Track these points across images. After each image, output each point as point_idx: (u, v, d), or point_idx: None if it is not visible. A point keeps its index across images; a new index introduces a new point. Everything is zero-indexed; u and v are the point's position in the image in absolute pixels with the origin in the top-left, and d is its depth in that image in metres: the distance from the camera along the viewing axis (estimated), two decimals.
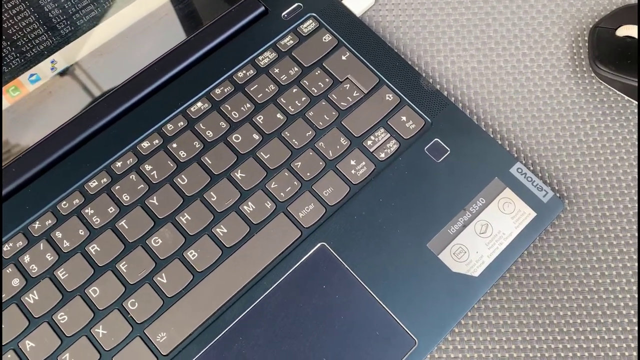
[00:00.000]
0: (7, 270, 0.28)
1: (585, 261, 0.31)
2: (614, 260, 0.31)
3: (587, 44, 0.35)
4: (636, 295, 0.30)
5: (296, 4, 0.35)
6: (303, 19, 0.35)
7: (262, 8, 0.35)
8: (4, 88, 0.30)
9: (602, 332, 0.29)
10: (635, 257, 0.30)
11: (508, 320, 0.30)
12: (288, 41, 0.34)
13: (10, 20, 0.29)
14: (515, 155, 0.33)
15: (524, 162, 0.33)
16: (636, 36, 0.33)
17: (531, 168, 0.33)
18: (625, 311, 0.29)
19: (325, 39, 0.34)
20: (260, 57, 0.34)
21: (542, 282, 0.30)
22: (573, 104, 0.34)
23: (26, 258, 0.28)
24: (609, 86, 0.34)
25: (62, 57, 0.31)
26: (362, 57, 0.34)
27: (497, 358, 0.29)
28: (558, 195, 0.32)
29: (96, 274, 0.28)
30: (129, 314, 0.28)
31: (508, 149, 0.33)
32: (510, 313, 0.30)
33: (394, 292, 0.28)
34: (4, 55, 0.29)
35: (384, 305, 0.28)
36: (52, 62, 0.31)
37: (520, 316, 0.30)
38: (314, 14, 0.35)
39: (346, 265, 0.29)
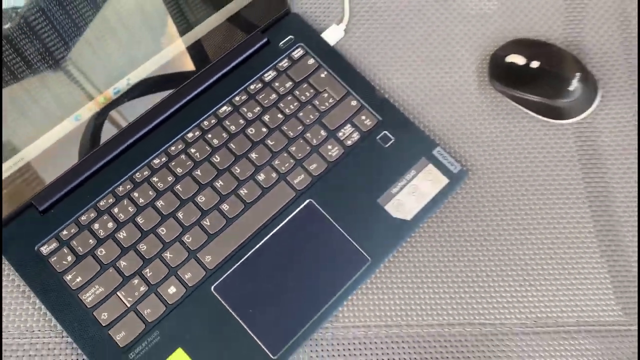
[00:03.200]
0: (104, 218, 0.43)
1: (482, 210, 0.47)
2: (500, 209, 0.47)
3: (487, 66, 0.51)
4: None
5: (289, 37, 0.51)
6: (294, 47, 0.50)
7: (266, 39, 0.50)
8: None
9: (484, 253, 0.46)
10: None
11: (431, 250, 0.46)
12: (284, 64, 0.49)
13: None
14: (437, 142, 0.49)
15: (442, 146, 0.49)
16: (520, 63, 0.49)
17: (447, 150, 0.49)
18: (503, 240, 0.46)
19: (309, 62, 0.50)
20: (265, 75, 0.49)
21: (454, 223, 0.46)
22: (478, 107, 0.50)
23: (115, 209, 0.43)
24: (502, 96, 0.50)
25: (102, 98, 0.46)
26: (335, 75, 0.49)
27: (426, 272, 0.45)
28: (465, 168, 0.48)
29: (162, 220, 0.43)
30: (185, 244, 0.43)
31: (432, 137, 0.49)
32: (432, 246, 0.46)
33: (355, 229, 0.44)
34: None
35: (349, 238, 0.44)
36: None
37: (438, 244, 0.46)
38: (301, 44, 0.50)
39: (324, 212, 0.45)
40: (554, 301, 0.45)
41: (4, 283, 0.42)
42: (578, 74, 0.47)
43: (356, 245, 0.44)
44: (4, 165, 0.41)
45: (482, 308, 0.44)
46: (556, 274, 0.45)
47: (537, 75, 0.48)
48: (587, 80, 0.48)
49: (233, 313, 0.41)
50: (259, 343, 0.41)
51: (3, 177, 0.41)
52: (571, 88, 0.47)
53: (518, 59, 0.49)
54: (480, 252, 0.46)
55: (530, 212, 0.47)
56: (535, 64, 0.48)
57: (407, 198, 0.46)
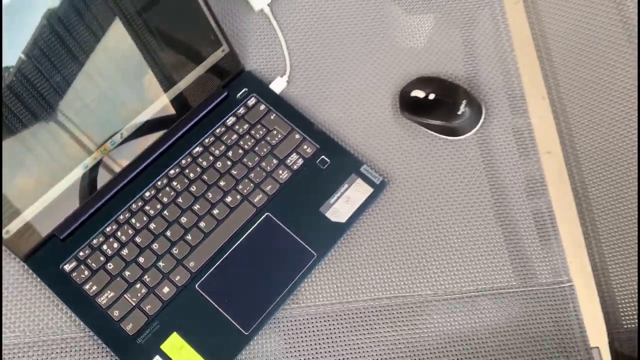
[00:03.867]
0: (110, 240, 0.56)
1: (401, 210, 0.61)
2: (415, 209, 0.61)
3: (398, 100, 0.66)
4: None
5: (244, 89, 0.65)
6: (248, 97, 0.64)
7: (226, 93, 0.64)
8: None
9: (403, 243, 0.60)
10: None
11: (362, 244, 0.60)
12: (241, 111, 0.64)
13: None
14: (363, 161, 0.63)
15: (367, 164, 0.63)
16: (421, 96, 0.64)
17: (371, 167, 0.63)
18: (416, 240, 0.60)
19: (261, 108, 0.64)
20: (227, 121, 0.63)
21: (379, 222, 0.60)
22: (393, 132, 0.65)
23: (118, 233, 0.57)
24: (411, 122, 0.65)
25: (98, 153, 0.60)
26: (281, 116, 0.64)
27: (359, 261, 0.59)
28: (385, 179, 0.62)
29: (155, 238, 0.57)
30: (174, 255, 0.56)
31: (359, 157, 0.63)
32: (364, 241, 0.60)
33: (303, 232, 0.58)
34: None
35: (299, 239, 0.58)
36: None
37: (367, 241, 0.60)
38: (254, 94, 0.65)
39: (279, 222, 0.59)
40: (459, 274, 0.58)
41: (38, 296, 0.55)
42: (464, 101, 0.62)
43: (305, 245, 0.58)
44: (32, 207, 0.54)
45: (403, 284, 0.58)
46: (461, 252, 0.59)
47: (434, 104, 0.63)
48: (472, 105, 0.62)
49: (213, 303, 0.55)
50: (234, 323, 0.54)
51: (30, 218, 0.54)
52: (459, 112, 0.62)
53: (420, 93, 0.64)
54: (400, 242, 0.60)
55: (438, 208, 0.61)
56: (432, 96, 0.63)
57: (342, 206, 0.60)
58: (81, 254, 0.56)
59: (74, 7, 0.50)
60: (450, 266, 0.59)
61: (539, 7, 0.71)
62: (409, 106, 0.64)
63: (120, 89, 0.56)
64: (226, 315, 0.54)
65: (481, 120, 0.63)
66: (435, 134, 0.64)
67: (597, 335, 0.58)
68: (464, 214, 0.61)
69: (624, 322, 0.59)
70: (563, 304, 0.58)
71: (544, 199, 0.62)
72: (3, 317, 0.54)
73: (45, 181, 0.54)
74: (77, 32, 0.51)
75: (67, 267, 0.55)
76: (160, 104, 0.60)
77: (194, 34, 0.60)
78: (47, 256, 0.56)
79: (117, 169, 0.59)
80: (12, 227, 0.53)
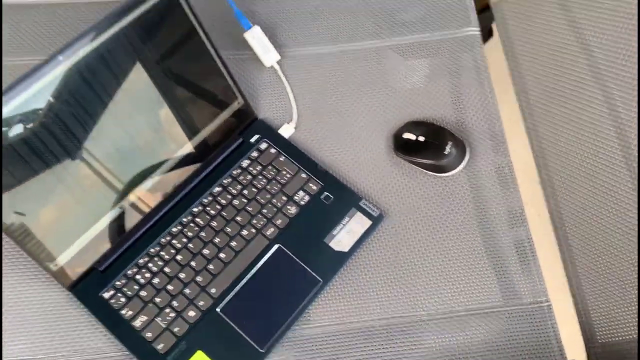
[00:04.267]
0: (143, 270, 0.65)
1: (396, 240, 0.69)
2: (409, 238, 0.69)
3: (392, 141, 0.74)
4: None
5: (256, 135, 0.74)
6: (260, 142, 0.74)
7: (241, 139, 0.74)
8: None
9: (399, 269, 0.67)
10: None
11: (363, 270, 0.68)
12: (254, 154, 0.73)
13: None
14: (362, 196, 0.71)
15: (365, 199, 0.71)
16: (412, 138, 0.72)
17: (369, 201, 0.71)
18: (413, 269, 0.68)
19: (272, 152, 0.73)
20: (242, 163, 0.72)
21: (377, 251, 0.68)
22: (388, 170, 0.73)
23: (150, 264, 0.65)
24: (404, 161, 0.73)
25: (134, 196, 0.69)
26: (290, 158, 0.72)
27: (360, 285, 0.67)
28: (382, 212, 0.70)
29: (182, 268, 0.65)
30: (198, 282, 0.65)
31: (358, 193, 0.72)
32: (364, 267, 0.68)
33: (310, 261, 0.66)
34: None
35: (306, 267, 0.66)
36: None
37: (367, 267, 0.68)
38: (265, 139, 0.74)
39: (288, 252, 0.67)
40: (449, 295, 0.66)
41: (80, 320, 0.64)
42: (450, 142, 0.71)
43: (311, 272, 0.66)
44: (76, 244, 0.63)
45: (400, 305, 0.66)
46: (451, 276, 0.67)
47: (424, 145, 0.71)
48: (457, 145, 0.71)
49: (232, 324, 0.63)
50: (251, 342, 0.62)
51: (74, 253, 0.63)
52: (446, 152, 0.70)
53: (411, 136, 0.72)
54: (397, 268, 0.68)
55: (430, 237, 0.69)
56: (422, 138, 0.72)
57: (344, 236, 0.68)
58: (118, 283, 0.64)
59: (105, 63, 0.60)
60: (441, 289, 0.66)
61: (516, 53, 0.80)
62: (402, 147, 0.73)
63: (152, 139, 0.65)
64: (244, 334, 0.62)
65: (465, 159, 0.72)
66: (426, 171, 0.72)
67: (576, 350, 0.66)
68: (453, 242, 0.69)
69: (598, 338, 0.66)
70: (542, 322, 0.65)
71: (523, 228, 0.70)
72: (49, 340, 0.63)
73: (88, 221, 0.63)
74: (109, 86, 0.61)
75: (106, 295, 0.64)
76: (185, 150, 0.70)
77: (214, 90, 0.70)
78: (89, 285, 0.64)
79: (148, 209, 0.68)
80: (59, 261, 0.62)
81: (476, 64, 0.79)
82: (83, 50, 0.57)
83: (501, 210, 0.70)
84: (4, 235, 0.65)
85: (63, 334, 0.63)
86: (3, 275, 0.65)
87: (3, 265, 0.65)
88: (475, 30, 0.80)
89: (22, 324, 0.63)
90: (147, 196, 0.68)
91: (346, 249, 0.67)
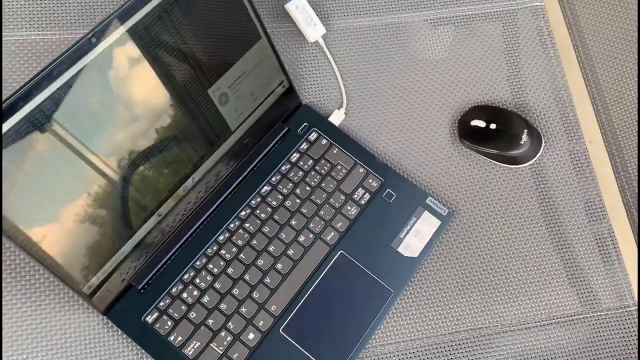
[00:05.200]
0: (189, 288, 0.56)
1: (468, 240, 0.62)
2: (480, 238, 0.62)
3: (457, 129, 0.66)
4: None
5: (304, 124, 0.65)
6: (309, 132, 0.64)
7: (287, 128, 0.64)
8: None
9: (474, 273, 0.61)
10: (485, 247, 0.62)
11: (435, 277, 0.61)
12: (304, 146, 0.63)
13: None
14: (427, 192, 0.64)
15: (431, 195, 0.63)
16: (482, 126, 0.64)
17: (435, 197, 0.64)
18: (483, 269, 0.61)
19: (323, 143, 0.64)
20: (291, 157, 0.63)
21: (448, 254, 0.61)
22: (453, 161, 0.65)
23: (197, 280, 0.56)
24: (470, 151, 0.65)
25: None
26: (344, 150, 0.64)
27: (433, 294, 0.60)
28: (451, 210, 0.63)
29: (234, 283, 0.57)
30: (255, 299, 0.56)
31: (423, 189, 0.64)
32: (435, 274, 0.61)
33: (378, 269, 0.59)
34: None
35: (374, 277, 0.58)
36: None
37: (440, 271, 0.61)
38: (314, 128, 0.64)
39: (353, 259, 0.59)
40: (527, 302, 0.60)
41: (121, 349, 0.55)
42: (526, 130, 0.63)
43: (381, 282, 0.58)
44: (111, 261, 0.53)
45: (479, 315, 0.59)
46: (528, 282, 0.61)
47: (496, 134, 0.64)
48: (532, 134, 0.64)
49: (298, 346, 0.55)
50: None
51: (109, 271, 0.53)
52: (522, 142, 0.63)
53: (480, 123, 0.64)
54: (472, 272, 0.61)
55: (504, 237, 0.62)
56: (493, 126, 0.64)
57: (413, 240, 0.61)
58: (162, 303, 0.55)
59: (144, 45, 0.49)
60: (519, 295, 0.60)
61: (583, 29, 0.72)
62: (469, 135, 0.65)
63: (190, 131, 0.55)
64: (312, 358, 0.55)
65: (541, 150, 0.64)
66: (495, 162, 0.65)
67: None
68: (527, 241, 0.62)
69: None
70: (630, 329, 0.60)
71: (604, 223, 0.64)
72: None
73: (122, 234, 0.53)
74: (145, 76, 0.50)
75: (150, 319, 0.55)
76: (227, 145, 0.60)
77: (259, 71, 0.60)
78: (127, 308, 0.55)
79: (188, 215, 0.58)
80: (93, 282, 0.53)
81: (542, 38, 0.71)
82: (117, 30, 0.46)
83: (578, 203, 0.64)
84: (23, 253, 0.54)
85: None
86: (28, 301, 0.55)
87: (28, 289, 0.55)
88: (539, 1, 0.72)
89: (57, 354, 0.53)
90: (186, 200, 0.58)
91: (416, 254, 0.60)
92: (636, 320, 0.60)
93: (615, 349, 0.59)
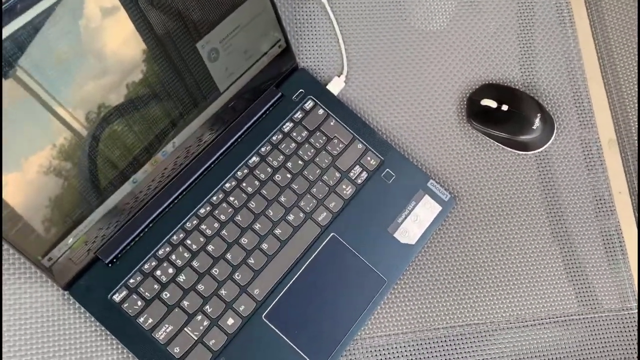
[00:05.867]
0: (164, 265, 0.50)
1: (468, 229, 0.58)
2: (482, 227, 0.58)
3: (465, 107, 0.61)
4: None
5: (299, 90, 0.58)
6: (305, 100, 0.58)
7: (280, 93, 0.58)
8: None
9: (472, 265, 0.57)
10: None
11: (431, 267, 0.56)
12: (298, 115, 0.57)
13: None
14: (429, 174, 0.59)
15: (433, 178, 0.59)
16: (493, 106, 0.59)
17: (437, 181, 0.59)
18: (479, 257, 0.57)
19: (319, 113, 0.58)
20: (284, 127, 0.57)
21: (447, 243, 0.57)
22: (459, 142, 0.60)
23: (173, 256, 0.51)
24: (478, 133, 0.61)
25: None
26: (342, 122, 0.58)
27: (429, 285, 0.55)
28: (453, 196, 0.58)
29: (214, 262, 0.51)
30: (236, 281, 0.51)
31: (425, 171, 0.59)
32: (432, 264, 0.56)
33: (372, 255, 0.54)
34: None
35: (368, 263, 0.54)
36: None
37: (437, 262, 0.56)
38: (311, 96, 0.58)
39: (345, 243, 0.54)
40: (527, 298, 0.56)
41: (85, 328, 0.49)
42: (539, 115, 0.58)
43: (374, 269, 0.54)
44: (76, 230, 0.47)
45: (475, 310, 0.55)
46: (527, 278, 0.57)
47: (507, 116, 0.59)
48: (545, 120, 0.59)
49: (282, 335, 0.50)
50: (306, 357, 0.50)
51: (74, 240, 0.47)
52: (534, 127, 0.58)
53: (491, 103, 0.59)
54: (470, 264, 0.57)
55: (507, 227, 0.58)
56: (505, 107, 0.59)
57: (411, 225, 0.56)
58: (132, 281, 0.49)
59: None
60: (519, 291, 0.57)
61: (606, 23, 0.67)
62: (478, 115, 0.60)
63: (173, 89, 0.49)
64: (297, 348, 0.50)
65: (553, 137, 0.60)
66: (503, 146, 0.60)
67: None
68: (531, 233, 0.58)
69: None
70: (631, 332, 0.57)
71: (612, 219, 0.60)
72: (46, 352, 0.48)
73: (91, 199, 0.47)
74: (125, 25, 0.43)
75: (117, 297, 0.49)
76: (213, 108, 0.53)
77: (252, 24, 0.53)
78: (92, 284, 0.49)
79: (167, 183, 0.52)
80: (54, 254, 0.46)
81: (561, 15, 0.65)
82: None
83: (587, 196, 0.60)
84: None
85: (59, 347, 0.48)
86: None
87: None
88: None
89: (9, 331, 0.47)
90: (165, 166, 0.52)
91: (413, 242, 0.55)
92: (637, 322, 0.57)
93: (614, 352, 0.56)
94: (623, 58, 0.65)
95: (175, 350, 0.48)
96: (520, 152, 0.60)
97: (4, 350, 0.47)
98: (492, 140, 0.60)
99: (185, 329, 0.49)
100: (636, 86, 0.64)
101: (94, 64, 0.42)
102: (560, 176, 0.60)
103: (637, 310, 0.58)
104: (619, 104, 0.64)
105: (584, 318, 0.57)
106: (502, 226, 0.58)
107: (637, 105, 0.64)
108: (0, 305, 0.48)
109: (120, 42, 0.43)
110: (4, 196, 0.41)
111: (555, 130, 0.60)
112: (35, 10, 0.37)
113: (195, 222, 0.52)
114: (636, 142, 0.63)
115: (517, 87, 0.62)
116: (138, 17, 0.43)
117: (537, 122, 0.58)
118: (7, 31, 0.36)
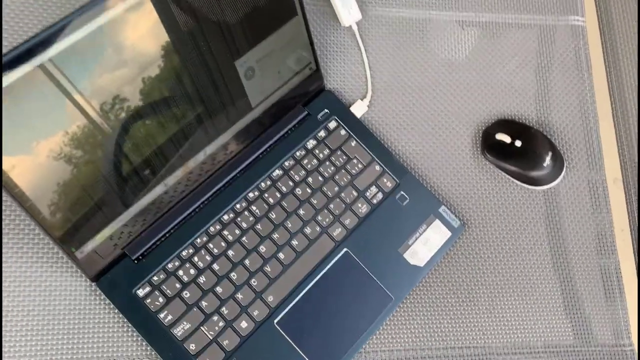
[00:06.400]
0: (186, 265, 0.53)
1: (474, 256, 0.61)
2: (487, 255, 0.61)
3: (480, 140, 0.64)
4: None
5: (324, 110, 0.62)
6: (329, 120, 0.61)
7: (306, 112, 0.61)
8: None
9: (476, 290, 0.59)
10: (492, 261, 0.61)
11: (437, 289, 0.59)
12: (322, 134, 0.61)
13: None
14: (441, 201, 0.62)
15: (445, 204, 0.62)
16: (507, 141, 0.62)
17: (449, 207, 0.62)
18: (491, 281, 0.60)
19: (342, 133, 0.61)
20: (307, 143, 0.60)
21: (454, 267, 0.60)
22: (472, 172, 0.63)
23: (195, 258, 0.54)
24: (491, 165, 0.64)
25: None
26: (362, 144, 0.61)
27: (433, 307, 0.58)
28: (462, 222, 0.61)
29: (233, 267, 0.54)
30: (252, 287, 0.54)
31: (438, 197, 0.62)
32: (439, 284, 0.59)
33: (381, 273, 0.57)
34: None
35: (377, 281, 0.56)
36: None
37: (442, 284, 0.59)
38: (335, 117, 0.62)
39: (357, 260, 0.57)
40: (526, 328, 0.59)
41: (108, 318, 0.52)
42: (550, 153, 0.61)
43: (383, 287, 0.57)
44: (109, 227, 0.50)
45: (475, 334, 0.58)
46: (526, 307, 0.60)
47: (520, 152, 0.62)
48: (556, 158, 0.62)
49: (291, 341, 0.53)
50: None
51: (105, 237, 0.50)
52: (545, 164, 0.61)
53: (505, 138, 0.62)
54: (474, 289, 0.59)
55: (511, 257, 0.61)
56: (518, 143, 0.62)
57: (420, 248, 0.59)
58: (155, 278, 0.52)
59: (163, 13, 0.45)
60: (518, 319, 0.59)
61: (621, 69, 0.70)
62: (492, 148, 0.63)
63: (211, 103, 0.52)
64: (304, 355, 0.53)
65: (562, 175, 0.63)
66: (514, 180, 0.63)
67: None
68: (534, 265, 0.61)
69: None
70: None
71: (612, 258, 0.63)
72: (72, 338, 0.51)
73: (126, 200, 0.50)
74: (162, 41, 0.47)
75: (141, 292, 0.52)
76: (244, 121, 0.57)
77: (287, 47, 0.56)
78: (118, 278, 0.52)
79: (194, 188, 0.55)
80: (87, 247, 0.49)
81: (578, 60, 0.69)
82: None
83: (590, 235, 0.63)
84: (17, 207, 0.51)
85: (84, 335, 0.51)
86: (14, 256, 0.51)
87: (16, 245, 0.52)
88: (581, 20, 0.70)
89: (30, 319, 0.50)
90: (194, 173, 0.55)
91: (422, 264, 0.58)
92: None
93: None
94: (635, 102, 0.68)
95: (191, 347, 0.51)
96: (530, 187, 0.63)
97: (32, 332, 0.50)
98: (503, 173, 0.63)
99: (201, 327, 0.52)
100: None
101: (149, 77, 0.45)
102: (566, 212, 0.63)
103: (630, 348, 0.60)
104: (627, 146, 0.67)
105: (578, 350, 0.59)
106: (506, 255, 0.61)
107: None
108: (0, 299, 0.51)
109: (166, 60, 0.46)
110: (50, 190, 0.44)
111: (564, 169, 0.63)
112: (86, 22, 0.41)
113: (218, 227, 0.55)
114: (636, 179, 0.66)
115: (531, 125, 0.65)
116: (186, 40, 0.47)
117: (548, 159, 0.61)
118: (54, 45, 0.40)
